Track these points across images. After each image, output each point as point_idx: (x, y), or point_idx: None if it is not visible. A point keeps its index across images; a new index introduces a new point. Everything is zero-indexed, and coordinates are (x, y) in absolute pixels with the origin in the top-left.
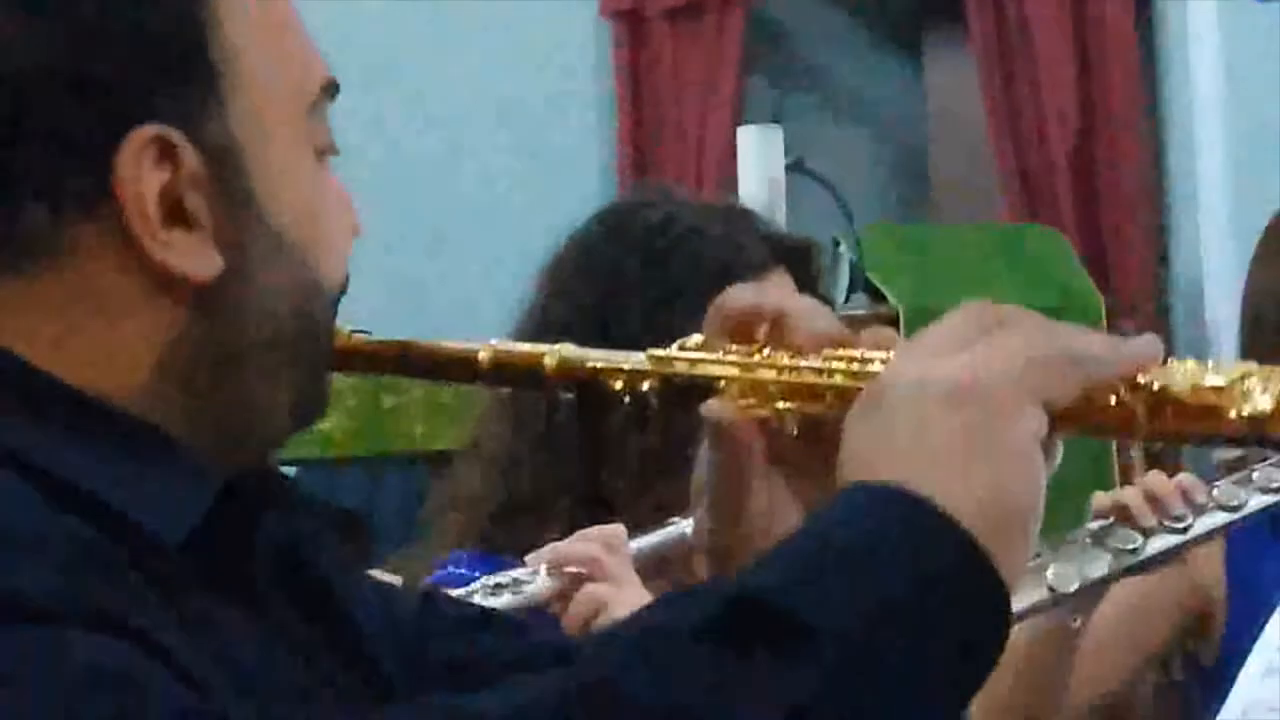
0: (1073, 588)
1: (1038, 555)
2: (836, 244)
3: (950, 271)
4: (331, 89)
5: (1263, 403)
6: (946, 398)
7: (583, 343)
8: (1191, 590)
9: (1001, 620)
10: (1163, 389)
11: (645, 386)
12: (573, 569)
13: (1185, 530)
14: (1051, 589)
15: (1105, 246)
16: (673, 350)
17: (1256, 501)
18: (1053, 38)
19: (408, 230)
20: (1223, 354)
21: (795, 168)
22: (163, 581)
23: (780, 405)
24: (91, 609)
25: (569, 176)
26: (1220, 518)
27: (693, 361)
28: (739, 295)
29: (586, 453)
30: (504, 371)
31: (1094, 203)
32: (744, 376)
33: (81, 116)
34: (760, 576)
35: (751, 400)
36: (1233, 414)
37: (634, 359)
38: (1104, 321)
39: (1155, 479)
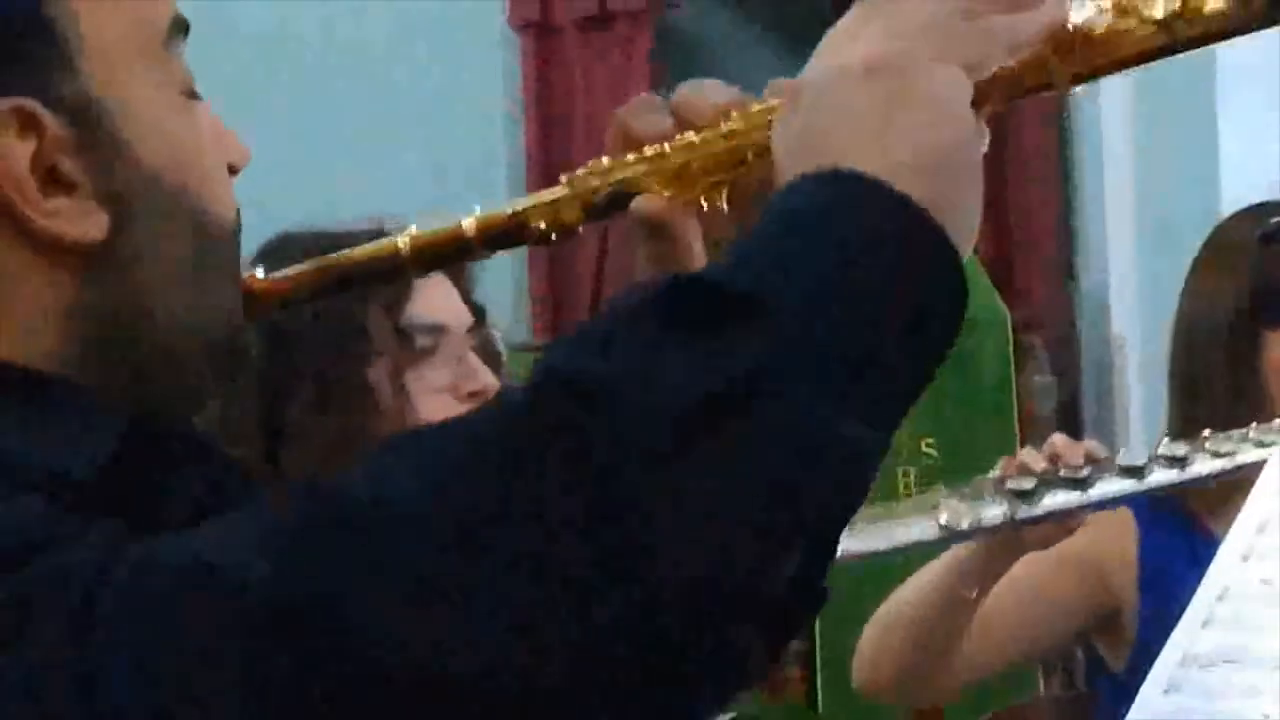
0: (964, 524)
1: (935, 497)
2: None
3: None
4: (180, 25)
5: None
6: (862, 74)
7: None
8: (1098, 589)
9: (952, 280)
10: (1072, 28)
11: (569, 218)
12: None
13: (1085, 487)
14: (944, 525)
15: (1013, 263)
16: (585, 169)
17: (1161, 474)
18: None
19: None
20: (1129, 368)
21: None
22: (78, 511)
23: (706, 182)
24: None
25: (476, 188)
26: (1123, 484)
27: (607, 171)
28: (633, 103)
29: (265, 384)
30: (427, 253)
31: (1002, 219)
32: (662, 167)
33: None
34: (707, 269)
35: (676, 190)
36: (1144, 25)
37: (551, 191)
38: (1011, 336)
39: (1060, 439)
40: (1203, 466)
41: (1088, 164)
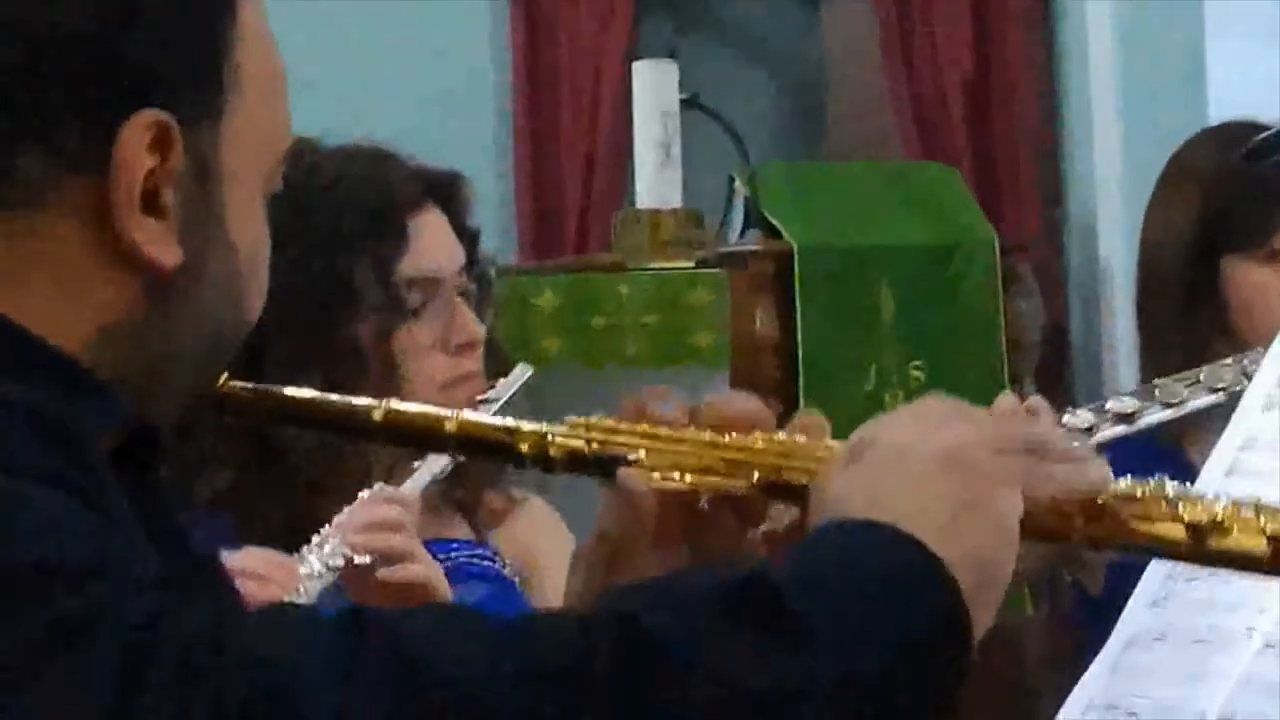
0: None
1: None
2: (732, 181)
3: (844, 209)
4: (289, 155)
5: (1198, 515)
6: (938, 461)
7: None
8: None
9: (961, 680)
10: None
11: (555, 456)
12: (373, 545)
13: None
14: None
15: (1000, 185)
16: (589, 420)
17: (1108, 432)
18: None
19: None
20: (1115, 293)
21: (691, 104)
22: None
23: (694, 479)
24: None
25: (464, 118)
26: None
27: (611, 430)
28: (657, 391)
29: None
30: (398, 431)
31: (989, 141)
32: (664, 449)
33: (102, 82)
34: (780, 570)
35: (664, 473)
36: (1174, 524)
37: (548, 426)
38: (998, 259)
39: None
40: (1152, 418)
41: (1074, 89)
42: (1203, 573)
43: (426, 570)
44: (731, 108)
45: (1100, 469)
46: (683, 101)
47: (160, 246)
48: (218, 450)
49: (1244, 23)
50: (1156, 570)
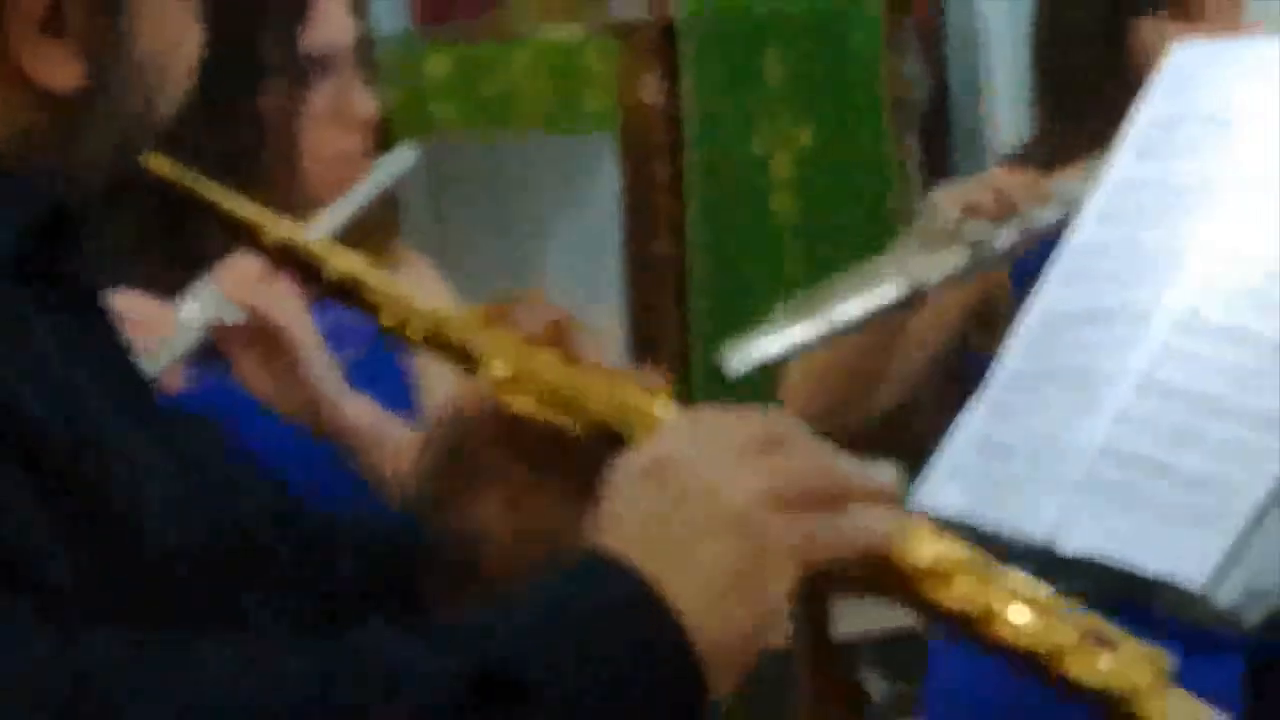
0: (932, 279)
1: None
2: None
3: None
4: None
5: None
6: (729, 519)
7: None
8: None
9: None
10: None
11: (411, 331)
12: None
13: (1031, 227)
14: (913, 285)
15: None
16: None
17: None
18: None
19: None
20: (993, 54)
21: None
22: None
23: (540, 406)
24: None
25: None
26: (1061, 213)
27: (467, 329)
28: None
29: None
30: (286, 255)
31: None
32: (519, 365)
33: None
34: (510, 645)
35: (513, 390)
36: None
37: (422, 307)
38: (882, 20)
39: (1004, 175)
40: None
41: None
42: (1079, 319)
43: (295, 328)
44: None
45: (887, 520)
46: None
47: (57, 68)
48: (139, 235)
49: None
50: (1034, 315)
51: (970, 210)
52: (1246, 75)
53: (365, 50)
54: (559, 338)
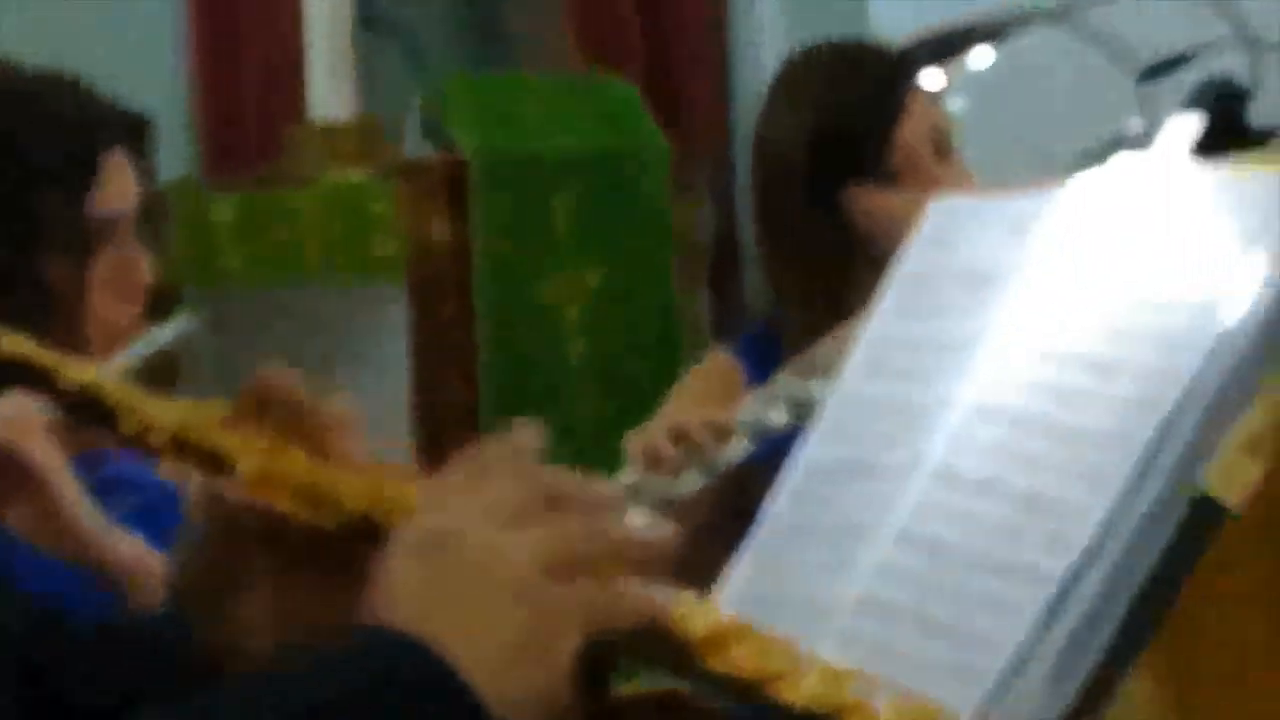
0: None
1: None
2: (410, 93)
3: (521, 119)
4: None
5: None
6: (508, 586)
7: None
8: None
9: None
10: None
11: (154, 438)
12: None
13: (714, 465)
14: None
15: (675, 95)
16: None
17: (781, 420)
18: None
19: None
20: None
21: (369, 18)
22: None
23: (293, 502)
24: None
25: (140, 28)
26: (746, 445)
27: (212, 431)
28: (277, 376)
29: None
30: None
31: (664, 52)
32: (265, 464)
33: None
34: None
35: (263, 489)
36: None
37: (163, 412)
38: (670, 167)
39: (684, 417)
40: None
41: (742, 2)
42: (841, 472)
43: (46, 468)
44: (412, 20)
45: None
46: (362, 15)
47: None
48: None
49: None
50: (798, 468)
51: (652, 462)
52: (1003, 231)
53: (153, 211)
54: (308, 425)
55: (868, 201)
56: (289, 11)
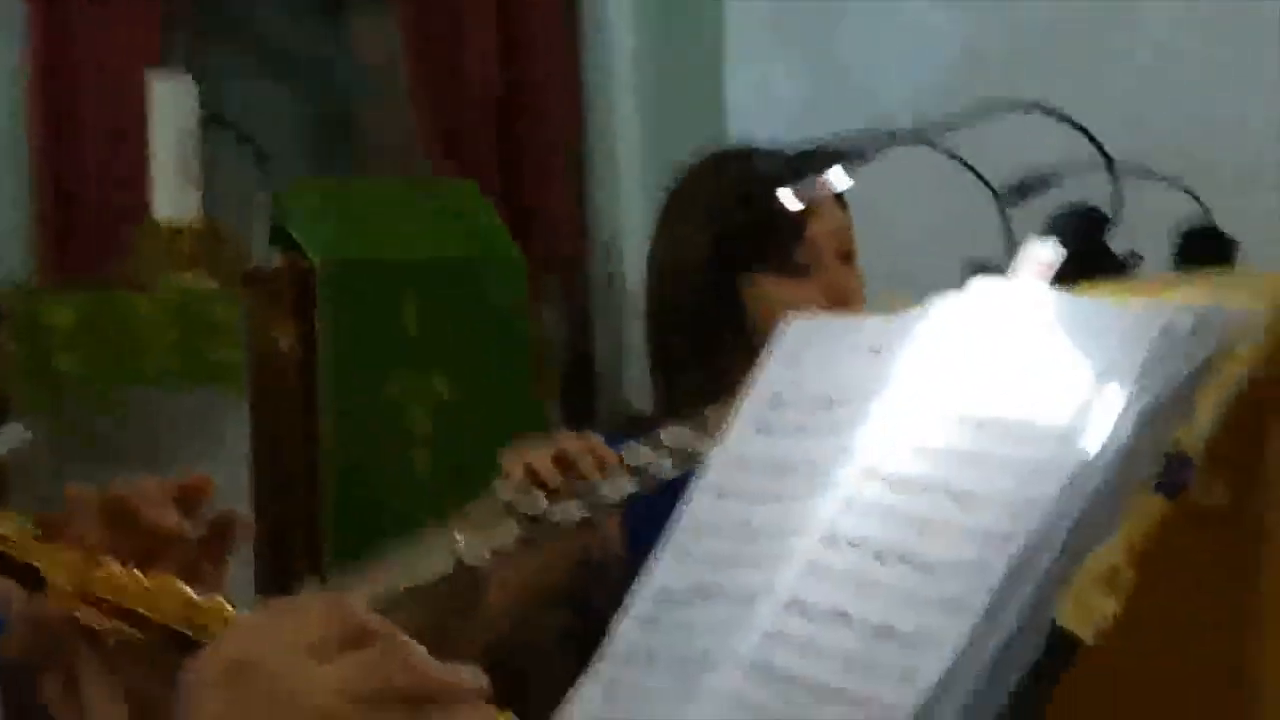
0: (484, 555)
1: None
2: (256, 197)
3: (370, 224)
4: None
5: None
6: (316, 717)
7: None
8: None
9: None
10: None
11: None
12: None
13: (594, 499)
14: (460, 560)
15: (530, 202)
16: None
17: (667, 468)
18: None
19: None
20: (637, 313)
21: (214, 119)
22: None
23: (105, 617)
24: None
25: None
26: (629, 485)
27: (27, 546)
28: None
29: None
30: None
31: (519, 159)
32: (76, 581)
33: None
34: None
35: (77, 603)
36: None
37: None
38: (523, 275)
39: (569, 440)
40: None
41: (598, 111)
42: (689, 597)
43: None
44: (258, 123)
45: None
46: (206, 116)
47: None
48: None
49: (762, 48)
50: (646, 589)
51: (532, 477)
52: (860, 353)
53: None
54: (131, 522)
55: (771, 289)
56: (133, 109)
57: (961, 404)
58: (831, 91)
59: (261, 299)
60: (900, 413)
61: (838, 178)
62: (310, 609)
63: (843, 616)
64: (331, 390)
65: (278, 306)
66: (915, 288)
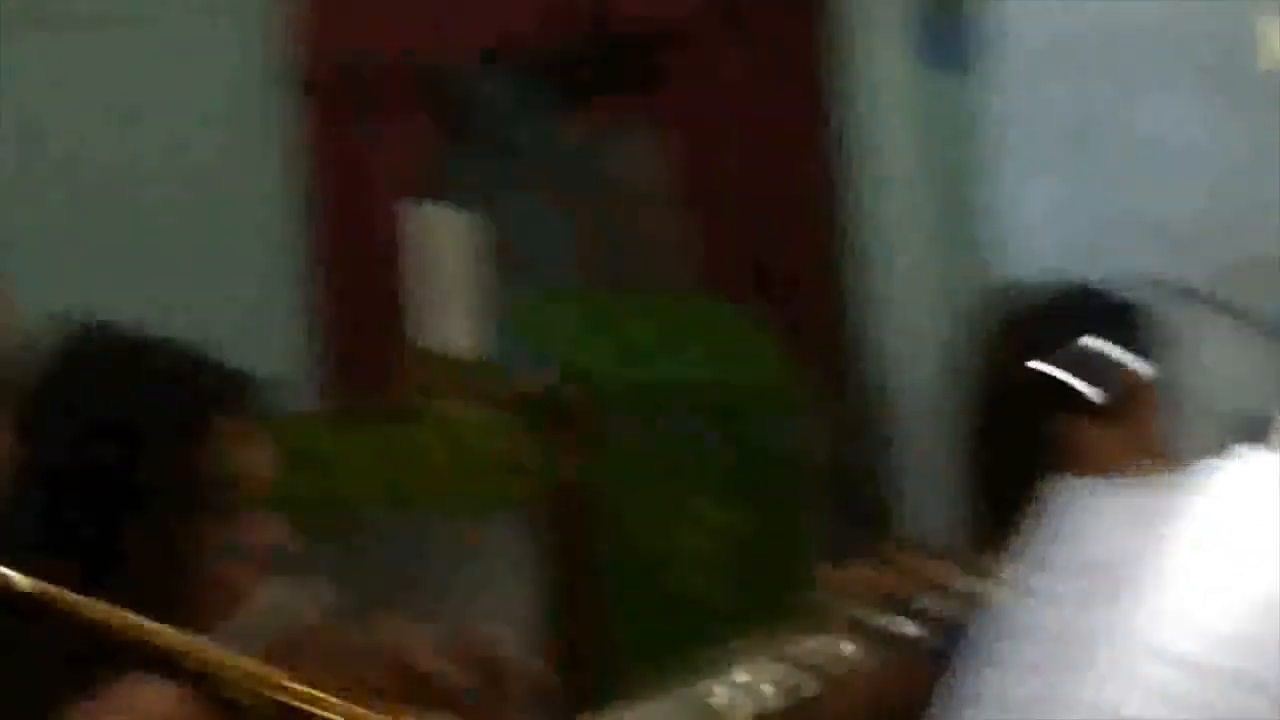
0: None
1: None
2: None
3: (637, 342)
4: None
5: None
6: None
7: None
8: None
9: None
10: None
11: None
12: None
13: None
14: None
15: (796, 319)
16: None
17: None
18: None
19: None
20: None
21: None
22: None
23: None
24: None
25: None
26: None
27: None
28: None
29: None
30: None
31: (786, 276)
32: None
33: None
34: None
35: None
36: None
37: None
38: (802, 399)
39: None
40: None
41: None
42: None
43: None
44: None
45: None
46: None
47: None
48: None
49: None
50: None
51: (868, 589)
52: (1131, 523)
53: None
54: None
55: (1074, 433)
56: (406, 237)
57: (1246, 584)
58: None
59: (537, 423)
60: (1182, 590)
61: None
62: None
63: None
64: (616, 514)
65: (552, 433)
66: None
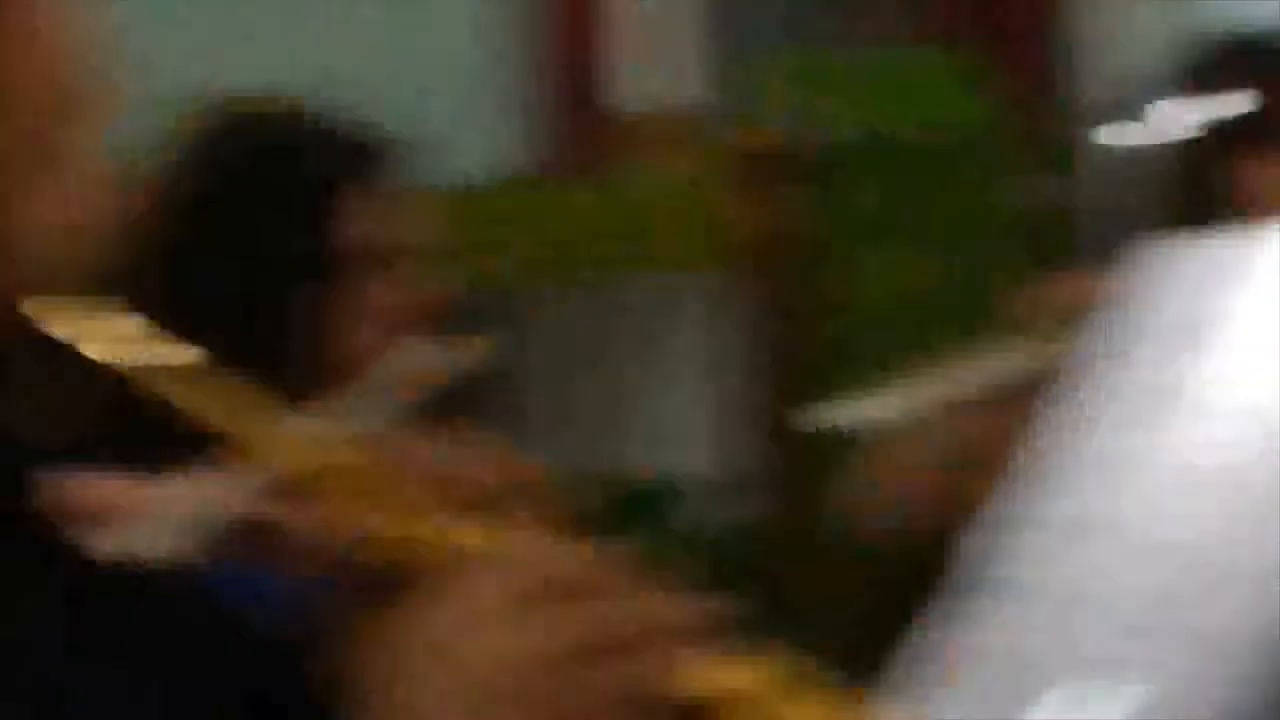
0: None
1: None
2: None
3: (857, 97)
4: None
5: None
6: (516, 695)
7: None
8: None
9: None
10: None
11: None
12: None
13: None
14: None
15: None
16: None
17: None
18: None
19: None
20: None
21: None
22: None
23: None
24: None
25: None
26: None
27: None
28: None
29: None
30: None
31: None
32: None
33: None
34: None
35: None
36: None
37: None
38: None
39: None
40: None
41: None
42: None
43: None
44: None
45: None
46: None
47: None
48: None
49: None
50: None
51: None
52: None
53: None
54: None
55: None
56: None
57: None
58: None
59: (748, 180)
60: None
61: None
62: (499, 571)
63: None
64: (841, 264)
65: (766, 186)
66: None
